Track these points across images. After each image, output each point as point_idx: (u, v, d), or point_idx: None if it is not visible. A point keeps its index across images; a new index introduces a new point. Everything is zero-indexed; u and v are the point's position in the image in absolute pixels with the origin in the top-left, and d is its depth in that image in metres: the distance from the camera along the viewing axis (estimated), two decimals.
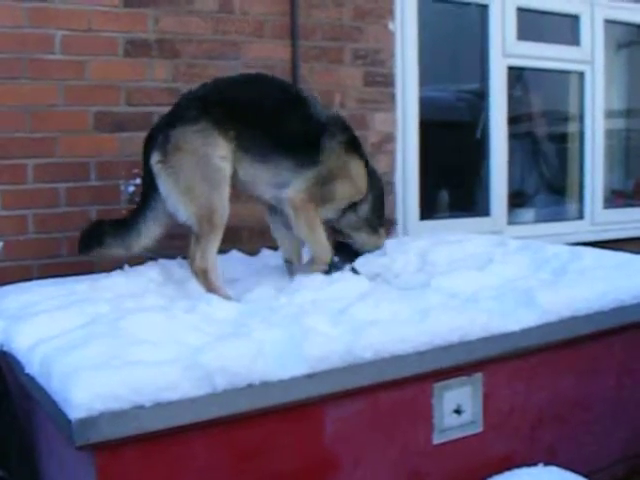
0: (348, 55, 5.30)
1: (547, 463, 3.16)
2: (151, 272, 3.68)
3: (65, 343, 2.61)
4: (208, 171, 3.49)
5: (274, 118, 3.66)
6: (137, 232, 3.57)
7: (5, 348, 2.91)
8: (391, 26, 5.49)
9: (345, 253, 3.94)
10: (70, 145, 4.36)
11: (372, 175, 3.91)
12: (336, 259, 3.80)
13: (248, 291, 3.53)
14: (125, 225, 3.60)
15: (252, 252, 4.14)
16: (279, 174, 3.66)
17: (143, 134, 4.37)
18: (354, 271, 3.79)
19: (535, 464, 3.14)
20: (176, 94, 4.54)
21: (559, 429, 3.33)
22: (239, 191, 3.81)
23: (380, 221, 3.99)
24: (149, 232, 3.59)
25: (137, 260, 3.82)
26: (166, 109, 4.41)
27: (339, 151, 3.73)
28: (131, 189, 4.52)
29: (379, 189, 3.98)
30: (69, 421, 2.20)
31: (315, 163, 3.66)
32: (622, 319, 3.41)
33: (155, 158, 3.52)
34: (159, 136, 3.54)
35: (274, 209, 3.89)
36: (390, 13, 5.48)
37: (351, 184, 3.78)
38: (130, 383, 2.29)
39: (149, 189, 3.59)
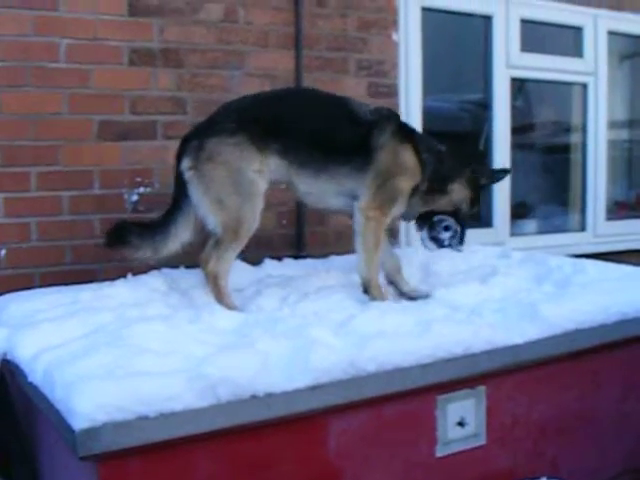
0: (352, 65, 5.30)
1: (550, 476, 3.16)
2: (155, 281, 3.68)
3: (68, 352, 2.61)
4: (241, 184, 3.50)
5: (323, 128, 3.68)
6: (166, 235, 3.56)
7: (8, 356, 2.91)
8: (395, 37, 5.50)
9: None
10: (74, 153, 4.36)
11: (425, 149, 3.82)
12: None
13: (251, 301, 3.53)
14: (153, 227, 3.60)
15: (255, 262, 4.13)
16: (341, 183, 3.68)
17: (147, 143, 4.42)
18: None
19: (538, 477, 3.14)
20: (180, 103, 4.59)
21: (562, 442, 3.32)
22: (309, 206, 3.93)
23: (448, 180, 3.88)
24: (178, 236, 3.58)
25: (141, 269, 3.82)
26: (170, 117, 4.45)
27: (389, 145, 3.70)
28: (134, 198, 4.52)
29: (437, 157, 3.87)
30: (72, 431, 2.20)
31: (371, 164, 3.65)
32: (625, 332, 3.40)
33: (186, 164, 3.53)
34: (193, 142, 3.55)
35: None
36: (394, 24, 5.49)
37: (409, 175, 3.74)
38: (134, 393, 2.28)
39: (180, 193, 3.59)
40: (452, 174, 3.86)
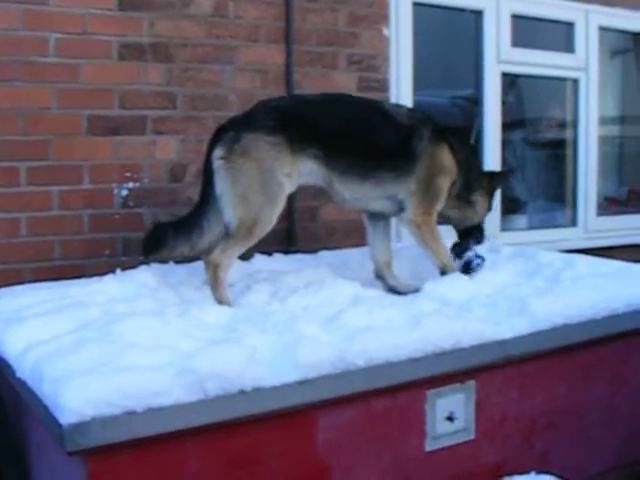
0: (343, 60, 5.30)
1: (540, 471, 3.16)
2: (144, 276, 3.66)
3: (57, 348, 2.60)
4: (269, 185, 3.49)
5: (365, 135, 3.72)
6: (200, 230, 3.57)
7: None
8: (386, 32, 5.49)
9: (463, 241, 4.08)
10: (63, 148, 4.35)
11: (459, 149, 3.95)
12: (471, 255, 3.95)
13: (241, 296, 3.53)
14: (187, 224, 3.60)
15: (245, 257, 4.12)
16: (385, 188, 3.74)
17: (137, 137, 4.40)
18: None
19: (528, 472, 3.15)
20: (170, 97, 4.58)
21: (552, 436, 3.33)
22: (348, 208, 4.07)
23: (474, 189, 4.02)
24: (212, 230, 3.58)
25: (130, 264, 3.81)
26: (160, 112, 4.43)
27: (429, 148, 3.79)
28: (124, 193, 4.50)
29: (466, 160, 4.00)
30: (60, 426, 2.19)
31: (414, 170, 3.74)
32: (615, 327, 3.41)
33: (218, 153, 3.51)
34: (229, 133, 3.53)
35: (377, 217, 3.98)
36: (385, 19, 5.48)
37: (447, 173, 3.85)
38: (122, 388, 2.28)
39: (208, 184, 3.58)
40: (475, 184, 4.02)
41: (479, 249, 4.01)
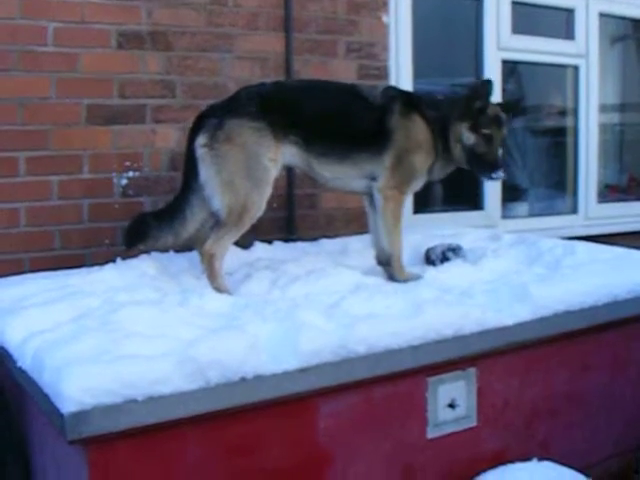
0: (342, 48, 5.28)
1: (541, 458, 3.16)
2: (144, 265, 3.66)
3: (57, 337, 2.60)
4: (254, 169, 3.49)
5: (340, 119, 3.71)
6: (183, 218, 3.57)
7: None
8: (385, 19, 5.47)
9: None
10: (62, 138, 4.33)
11: (432, 118, 3.83)
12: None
13: (241, 284, 3.53)
14: (169, 213, 3.60)
15: (245, 245, 4.12)
16: (362, 168, 3.73)
17: (136, 126, 4.39)
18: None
19: (529, 459, 3.14)
20: (169, 86, 4.57)
21: (553, 424, 3.33)
22: (332, 189, 4.04)
23: (452, 128, 3.83)
24: (195, 217, 3.59)
25: (130, 253, 3.80)
26: (159, 101, 4.42)
27: (400, 123, 3.74)
28: (124, 182, 4.50)
29: (440, 113, 3.85)
30: (61, 415, 2.19)
31: (388, 147, 3.70)
32: (616, 314, 3.41)
33: (201, 141, 3.50)
34: (211, 119, 3.53)
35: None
36: (384, 6, 5.46)
37: (423, 150, 3.78)
38: (122, 377, 2.28)
39: (191, 173, 3.57)
40: (455, 121, 3.81)
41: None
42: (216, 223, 3.54)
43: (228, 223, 3.49)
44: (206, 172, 3.49)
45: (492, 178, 3.93)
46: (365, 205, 4.05)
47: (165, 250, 3.86)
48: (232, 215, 3.48)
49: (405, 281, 3.60)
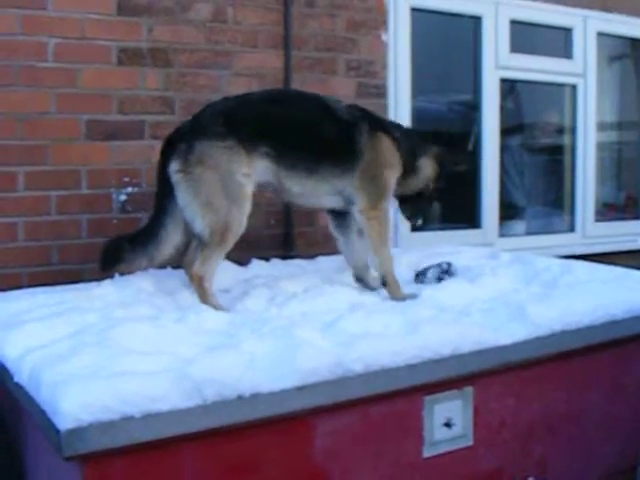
0: (341, 66, 5.30)
1: (538, 477, 3.16)
2: (142, 282, 3.66)
3: (55, 352, 2.60)
4: (230, 187, 3.48)
5: (310, 130, 3.71)
6: (157, 241, 3.56)
7: None
8: (384, 37, 5.50)
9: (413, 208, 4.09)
10: (62, 153, 4.34)
11: (399, 139, 3.91)
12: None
13: (238, 301, 3.52)
14: (144, 236, 3.59)
15: (242, 262, 4.12)
16: (331, 183, 3.72)
17: (135, 143, 4.40)
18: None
19: (526, 478, 3.14)
20: (168, 103, 4.58)
21: (550, 443, 3.33)
22: (300, 206, 4.04)
23: (417, 156, 3.97)
24: (169, 240, 3.58)
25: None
26: (158, 117, 4.43)
27: (368, 144, 3.75)
28: (122, 198, 4.51)
29: (409, 138, 3.98)
30: (57, 431, 2.19)
31: (357, 165, 3.71)
32: (613, 333, 3.41)
33: (175, 167, 3.49)
34: (181, 145, 3.51)
35: (341, 222, 4.00)
36: (383, 24, 5.49)
37: (392, 167, 3.82)
38: (119, 394, 2.27)
39: (164, 196, 3.57)
40: (420, 151, 3.97)
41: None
42: (201, 245, 3.54)
43: (212, 243, 3.48)
44: (184, 197, 3.49)
45: (410, 220, 4.15)
46: (330, 227, 4.09)
47: (162, 267, 3.86)
48: (215, 235, 3.47)
49: (404, 299, 3.60)
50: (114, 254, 3.58)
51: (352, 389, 2.68)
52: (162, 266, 3.77)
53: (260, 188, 3.69)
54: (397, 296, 3.66)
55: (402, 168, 3.86)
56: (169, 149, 3.56)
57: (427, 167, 3.98)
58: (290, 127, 3.66)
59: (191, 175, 3.46)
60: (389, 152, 3.82)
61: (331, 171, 3.69)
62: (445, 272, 3.94)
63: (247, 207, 3.54)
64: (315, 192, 3.73)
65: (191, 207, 3.48)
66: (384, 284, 3.73)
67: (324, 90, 5.08)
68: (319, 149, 3.69)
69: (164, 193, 3.57)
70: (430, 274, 4.01)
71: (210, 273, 3.51)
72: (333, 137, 3.72)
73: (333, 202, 3.82)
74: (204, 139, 3.49)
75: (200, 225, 3.48)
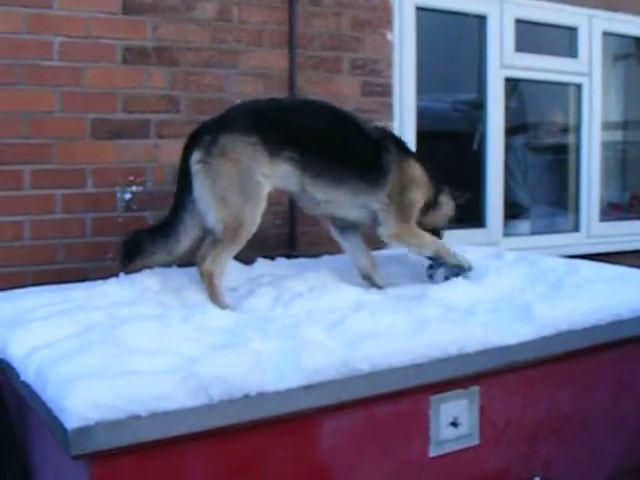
0: (346, 65, 5.30)
1: (543, 477, 3.15)
2: (147, 280, 3.66)
3: (61, 351, 2.60)
4: (248, 185, 3.48)
5: (338, 141, 3.73)
6: (176, 235, 3.57)
7: (0, 355, 2.89)
8: (389, 36, 5.50)
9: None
10: (67, 152, 4.35)
11: (426, 165, 3.99)
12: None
13: (244, 300, 3.52)
14: (163, 230, 3.60)
15: (248, 261, 4.12)
16: (358, 197, 3.76)
17: (140, 141, 4.40)
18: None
19: (531, 477, 3.14)
20: (173, 101, 4.58)
21: (555, 443, 3.32)
22: (321, 215, 4.07)
23: (437, 192, 4.05)
24: (188, 234, 3.58)
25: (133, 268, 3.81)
26: (163, 116, 4.43)
27: (399, 163, 3.82)
28: (127, 196, 4.51)
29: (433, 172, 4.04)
30: (65, 430, 2.19)
31: (385, 181, 3.76)
32: (619, 333, 3.40)
33: (196, 157, 3.49)
34: (205, 137, 3.52)
35: (346, 230, 4.02)
36: (388, 23, 5.49)
37: (421, 187, 3.89)
38: (126, 392, 2.28)
39: (184, 189, 3.57)
40: (441, 187, 4.06)
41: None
42: (214, 242, 3.55)
43: (224, 240, 3.49)
44: (200, 187, 3.49)
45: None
46: (331, 233, 4.12)
47: (167, 265, 3.86)
48: (228, 231, 3.48)
49: (460, 266, 3.86)
50: (135, 248, 3.59)
51: (358, 388, 2.68)
52: (175, 262, 3.78)
53: (278, 192, 3.72)
54: (453, 262, 3.87)
55: (426, 198, 3.94)
56: (193, 141, 3.57)
57: (447, 204, 4.10)
58: (318, 136, 3.68)
59: (210, 166, 3.46)
60: (419, 175, 3.89)
61: (358, 185, 3.73)
62: (456, 275, 3.90)
63: (262, 206, 3.55)
64: (340, 201, 3.76)
65: (206, 199, 3.47)
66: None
67: (328, 89, 5.11)
68: (346, 161, 3.71)
69: (184, 187, 3.57)
70: (440, 273, 3.98)
71: (220, 271, 3.51)
72: (361, 150, 3.76)
73: (357, 215, 3.85)
74: (229, 133, 3.51)
75: (213, 219, 3.48)
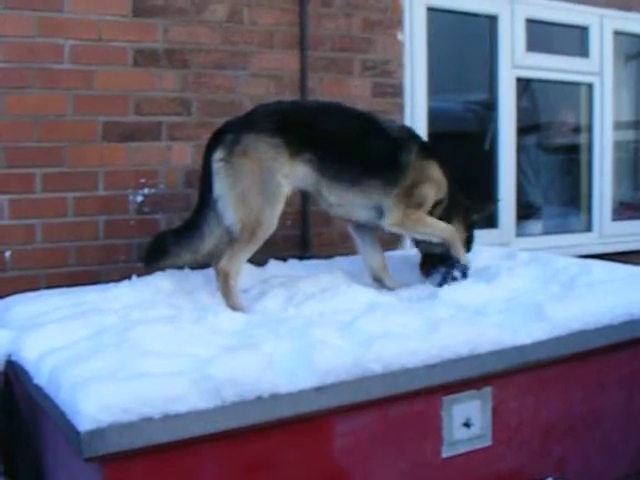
0: (357, 66, 5.29)
1: (556, 477, 3.14)
2: (160, 282, 3.67)
3: (74, 354, 2.61)
4: (268, 185, 3.50)
5: (357, 144, 3.76)
6: (201, 234, 3.59)
7: (14, 358, 2.91)
8: (400, 37, 5.49)
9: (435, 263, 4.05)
10: (78, 155, 4.35)
11: (446, 169, 4.02)
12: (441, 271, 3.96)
13: (256, 302, 3.53)
14: (187, 230, 3.62)
15: (260, 262, 4.12)
16: (370, 197, 3.78)
17: (152, 144, 4.40)
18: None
19: (544, 478, 3.13)
20: (185, 104, 4.58)
21: (568, 443, 3.31)
22: (333, 216, 4.11)
23: (452, 215, 4.06)
24: (213, 232, 3.60)
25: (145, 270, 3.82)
26: (174, 119, 4.44)
27: (417, 163, 3.85)
28: (139, 199, 4.51)
29: (454, 187, 4.07)
30: (77, 432, 2.19)
31: (400, 179, 3.78)
32: (632, 333, 3.39)
33: (218, 155, 3.52)
34: (229, 136, 3.54)
35: (363, 227, 4.03)
36: (399, 24, 5.48)
37: (434, 184, 3.91)
38: (138, 395, 2.28)
39: (207, 188, 3.58)
40: (454, 211, 4.07)
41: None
42: (230, 240, 3.55)
43: (241, 240, 3.49)
44: (220, 185, 3.51)
45: (428, 279, 4.04)
46: (348, 227, 4.15)
47: (181, 267, 3.87)
48: (245, 231, 3.48)
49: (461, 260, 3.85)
50: (160, 248, 3.63)
51: (371, 389, 2.68)
52: (197, 262, 3.79)
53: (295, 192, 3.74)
54: (459, 253, 3.91)
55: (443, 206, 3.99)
56: (216, 139, 3.60)
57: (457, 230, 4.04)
58: (337, 139, 3.71)
59: (232, 164, 3.49)
60: (436, 175, 3.92)
61: (373, 184, 3.75)
62: (454, 279, 3.88)
63: (280, 207, 3.57)
64: (351, 204, 3.79)
65: (226, 197, 3.50)
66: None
67: (340, 90, 5.10)
68: (364, 163, 3.75)
69: (207, 186, 3.58)
70: (439, 274, 3.96)
71: (236, 270, 3.51)
72: (379, 152, 3.79)
73: (364, 216, 3.87)
74: (252, 132, 3.53)
75: (231, 218, 3.49)
